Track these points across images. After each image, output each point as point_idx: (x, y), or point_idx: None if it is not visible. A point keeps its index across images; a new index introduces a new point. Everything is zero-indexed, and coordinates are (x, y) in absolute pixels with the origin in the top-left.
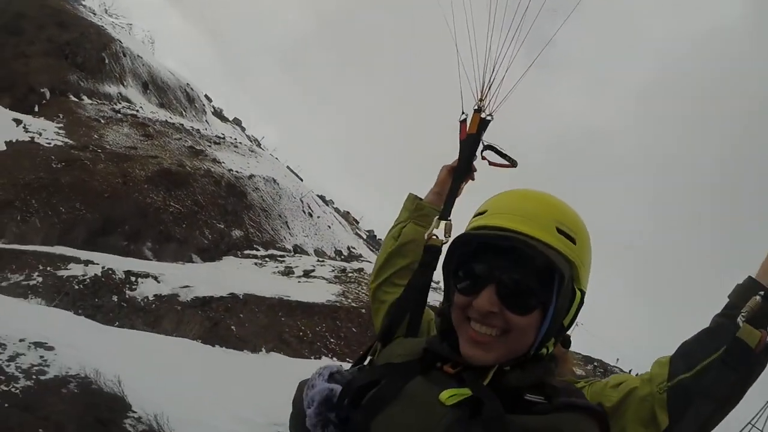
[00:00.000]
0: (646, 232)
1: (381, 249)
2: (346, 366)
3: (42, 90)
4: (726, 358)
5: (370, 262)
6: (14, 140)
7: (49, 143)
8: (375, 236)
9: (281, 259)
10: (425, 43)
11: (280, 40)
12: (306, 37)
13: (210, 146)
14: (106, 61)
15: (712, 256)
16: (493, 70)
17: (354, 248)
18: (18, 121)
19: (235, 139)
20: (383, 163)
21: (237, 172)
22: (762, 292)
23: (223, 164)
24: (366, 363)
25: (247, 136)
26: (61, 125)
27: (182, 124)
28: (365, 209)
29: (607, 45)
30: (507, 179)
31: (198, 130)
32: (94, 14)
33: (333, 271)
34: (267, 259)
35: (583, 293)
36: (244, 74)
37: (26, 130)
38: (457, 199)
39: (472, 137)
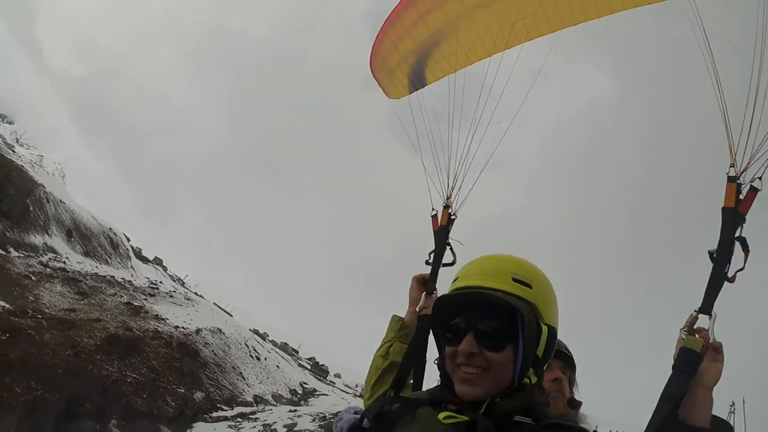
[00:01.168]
0: None
1: (371, 366)
2: None
3: None
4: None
5: (326, 394)
6: None
7: None
8: (318, 363)
9: (253, 416)
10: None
11: (195, 165)
12: (220, 158)
13: (147, 299)
14: (31, 209)
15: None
16: (455, 179)
17: (306, 383)
18: None
19: (171, 289)
20: (307, 282)
21: (183, 328)
22: (696, 309)
23: (167, 321)
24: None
25: (170, 276)
26: None
27: (113, 276)
28: (300, 334)
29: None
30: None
31: (130, 282)
32: (13, 151)
33: (313, 420)
34: (239, 419)
35: (550, 327)
36: (157, 204)
37: None
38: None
39: (443, 228)
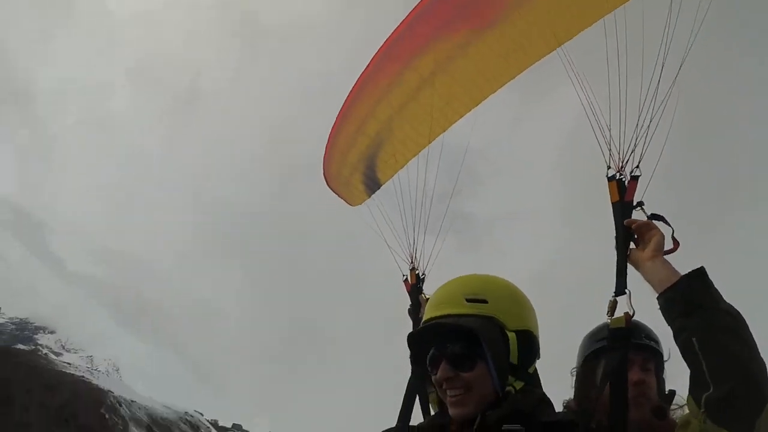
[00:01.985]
0: None
1: None
2: None
3: None
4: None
5: None
6: None
7: None
8: None
9: None
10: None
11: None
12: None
13: None
14: (107, 416)
15: None
16: (414, 245)
17: None
18: None
19: None
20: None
21: None
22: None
23: None
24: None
25: None
26: None
27: None
28: None
29: None
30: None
31: None
32: (71, 364)
33: None
34: None
35: (520, 332)
36: (211, 372)
37: None
38: None
39: (414, 287)
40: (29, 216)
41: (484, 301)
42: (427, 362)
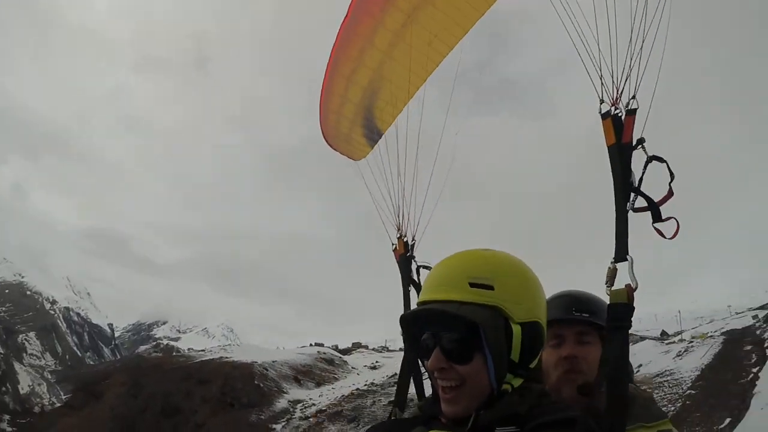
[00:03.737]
0: None
1: None
2: None
3: None
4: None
5: None
6: None
7: None
8: None
9: None
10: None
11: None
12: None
13: None
14: (261, 386)
15: None
16: (400, 211)
17: None
18: None
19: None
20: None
21: None
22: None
23: None
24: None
25: (373, 349)
26: None
27: (357, 389)
28: None
29: None
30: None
31: (373, 382)
32: (205, 350)
33: None
34: None
35: (526, 325)
36: (318, 299)
37: None
38: None
39: (403, 257)
40: (102, 233)
41: (490, 287)
42: (420, 347)
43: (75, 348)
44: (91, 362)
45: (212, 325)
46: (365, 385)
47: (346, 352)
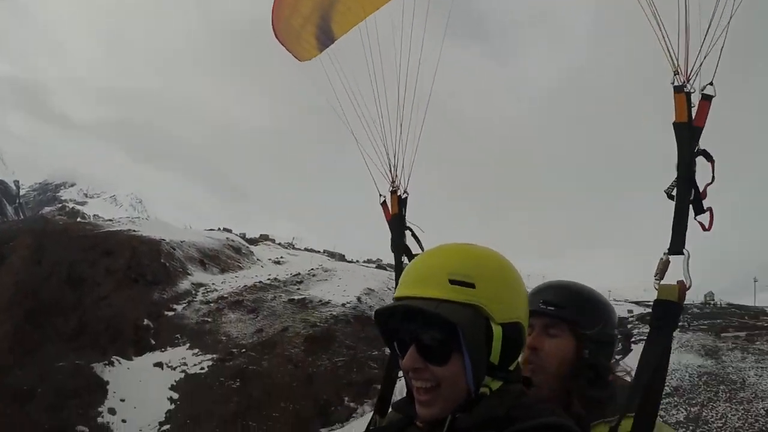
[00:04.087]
0: None
1: None
2: None
3: (144, 323)
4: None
5: None
6: (175, 381)
7: (203, 369)
8: None
9: None
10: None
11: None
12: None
13: (299, 288)
14: (167, 265)
15: None
16: (396, 155)
17: None
18: (159, 365)
19: (309, 269)
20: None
21: (347, 303)
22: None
23: (331, 302)
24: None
25: (281, 245)
26: (189, 346)
27: (260, 281)
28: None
29: None
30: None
31: (275, 278)
32: (113, 220)
33: None
34: None
35: (507, 326)
36: (230, 187)
37: (172, 368)
38: None
39: (396, 216)
40: (25, 85)
41: (471, 285)
42: (396, 343)
43: None
44: None
45: (121, 193)
46: (268, 279)
47: (253, 242)
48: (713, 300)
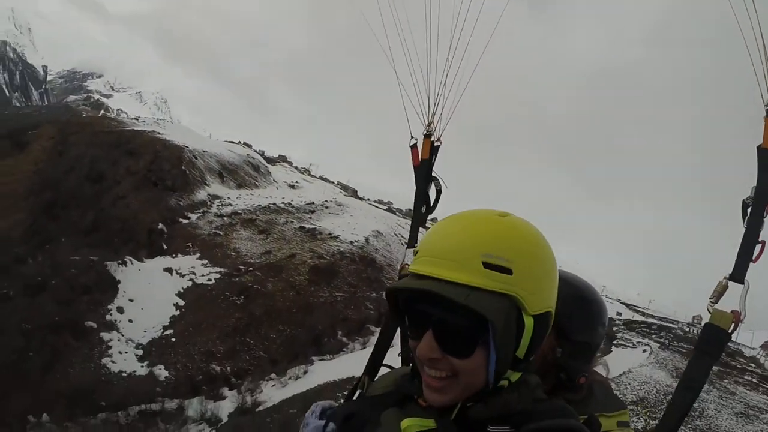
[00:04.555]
0: None
1: None
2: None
3: (159, 227)
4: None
5: None
6: (182, 289)
7: (210, 281)
8: None
9: None
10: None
11: (283, 66)
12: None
13: (311, 217)
14: (187, 173)
15: None
16: (437, 98)
17: None
18: (169, 270)
19: (323, 200)
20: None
21: (356, 242)
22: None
23: (340, 237)
24: (357, 396)
25: (296, 168)
26: (199, 256)
27: (274, 203)
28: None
29: None
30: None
31: (290, 203)
32: (138, 119)
33: None
34: None
35: (538, 317)
36: (258, 102)
37: (181, 275)
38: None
39: (425, 163)
40: None
41: (509, 271)
42: (408, 320)
43: (4, 87)
44: (18, 104)
45: (147, 91)
46: (282, 203)
47: (271, 161)
48: (699, 324)
